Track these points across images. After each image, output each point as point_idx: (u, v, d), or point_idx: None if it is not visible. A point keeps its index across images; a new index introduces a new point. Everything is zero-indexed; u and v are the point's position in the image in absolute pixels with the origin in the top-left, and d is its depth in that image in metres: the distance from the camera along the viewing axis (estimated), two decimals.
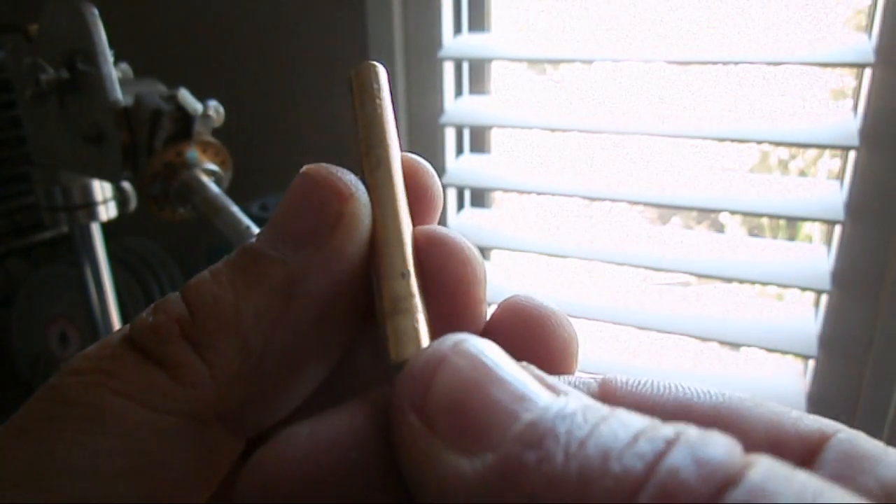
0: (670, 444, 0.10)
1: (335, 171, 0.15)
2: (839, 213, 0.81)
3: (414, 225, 0.16)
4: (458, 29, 1.01)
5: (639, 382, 0.15)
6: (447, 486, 0.11)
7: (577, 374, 0.16)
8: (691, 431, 0.10)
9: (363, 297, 0.15)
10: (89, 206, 0.69)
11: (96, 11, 0.57)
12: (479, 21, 1.02)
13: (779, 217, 0.84)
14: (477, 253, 0.16)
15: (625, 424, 0.10)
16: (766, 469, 0.09)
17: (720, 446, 0.10)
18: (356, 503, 0.12)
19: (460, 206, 1.10)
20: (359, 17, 1.00)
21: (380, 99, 0.17)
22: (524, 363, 0.12)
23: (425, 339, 0.14)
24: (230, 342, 0.14)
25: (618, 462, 0.10)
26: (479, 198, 1.12)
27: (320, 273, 0.14)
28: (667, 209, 1.15)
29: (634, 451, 0.10)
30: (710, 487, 0.09)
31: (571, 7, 1.04)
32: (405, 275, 0.14)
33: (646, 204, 0.90)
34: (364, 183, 0.16)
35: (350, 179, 0.15)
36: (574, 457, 0.10)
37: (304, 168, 0.15)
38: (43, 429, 0.13)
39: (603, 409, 0.11)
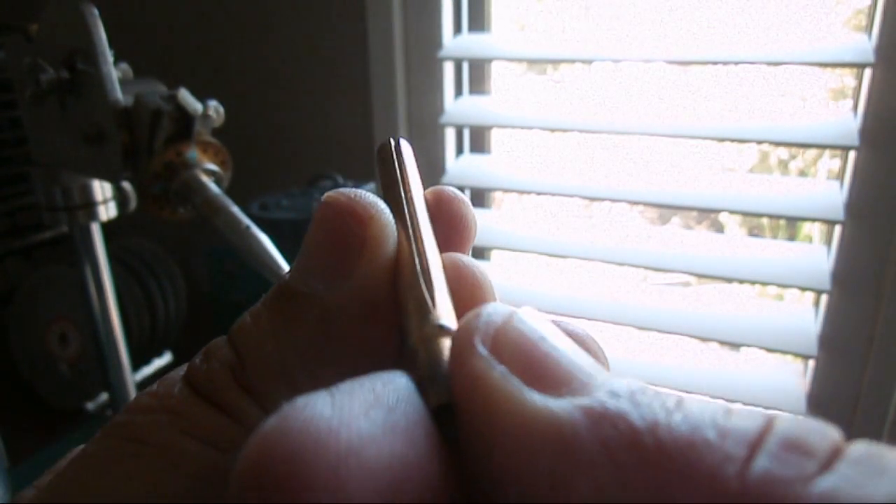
0: (773, 414, 0.09)
1: (354, 196, 0.15)
2: (839, 213, 0.81)
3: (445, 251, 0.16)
4: (458, 29, 1.01)
5: None
6: (531, 425, 0.10)
7: None
8: (784, 416, 0.10)
9: (395, 314, 0.15)
10: (89, 206, 0.69)
11: (96, 11, 0.57)
12: (479, 21, 1.03)
13: (779, 217, 0.84)
14: (492, 286, 0.16)
15: (711, 402, 0.10)
16: (862, 445, 0.09)
17: (815, 429, 0.09)
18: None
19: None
20: (359, 17, 1.00)
21: (397, 168, 0.17)
22: None
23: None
24: (278, 384, 0.14)
25: (725, 419, 0.09)
26: (479, 198, 1.12)
27: (353, 302, 0.14)
28: (667, 209, 1.15)
29: (739, 416, 0.09)
30: (830, 444, 0.09)
31: (571, 7, 1.04)
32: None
33: (646, 204, 0.90)
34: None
35: (369, 201, 0.15)
36: (676, 411, 0.10)
37: (325, 196, 0.15)
38: (117, 465, 0.13)
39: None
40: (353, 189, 0.15)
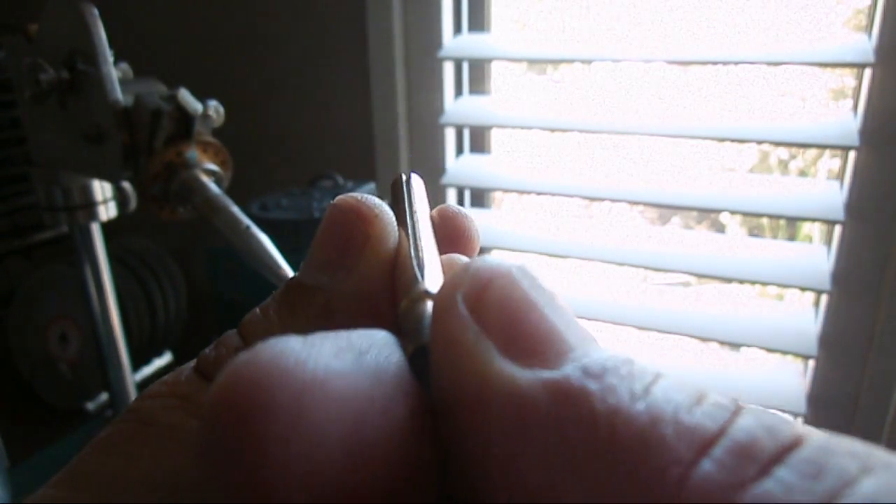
0: (738, 409, 0.10)
1: (360, 198, 0.16)
2: (839, 213, 0.81)
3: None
4: (458, 29, 1.01)
5: None
6: (491, 392, 0.10)
7: None
8: (751, 406, 0.10)
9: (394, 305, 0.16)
10: (89, 206, 0.69)
11: (96, 11, 0.57)
12: (479, 21, 1.02)
13: (779, 217, 0.84)
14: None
15: (685, 385, 0.10)
16: (822, 435, 0.09)
17: (780, 416, 0.10)
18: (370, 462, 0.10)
19: (460, 206, 1.10)
20: (359, 17, 1.00)
21: (405, 193, 0.18)
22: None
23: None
24: None
25: (688, 414, 0.09)
26: (479, 198, 1.12)
27: (355, 294, 0.15)
28: (667, 209, 1.15)
29: (704, 409, 0.09)
30: (779, 446, 0.09)
31: (571, 7, 1.04)
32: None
33: (646, 204, 0.90)
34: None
35: (374, 203, 0.16)
36: (641, 398, 0.10)
37: (335, 199, 0.16)
38: (125, 446, 0.14)
39: (655, 368, 0.10)
40: (362, 194, 0.16)
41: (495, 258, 0.12)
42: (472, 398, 0.10)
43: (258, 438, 0.09)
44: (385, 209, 0.16)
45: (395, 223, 0.16)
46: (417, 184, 0.19)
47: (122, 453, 0.14)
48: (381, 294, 0.16)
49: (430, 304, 0.13)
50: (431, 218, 0.18)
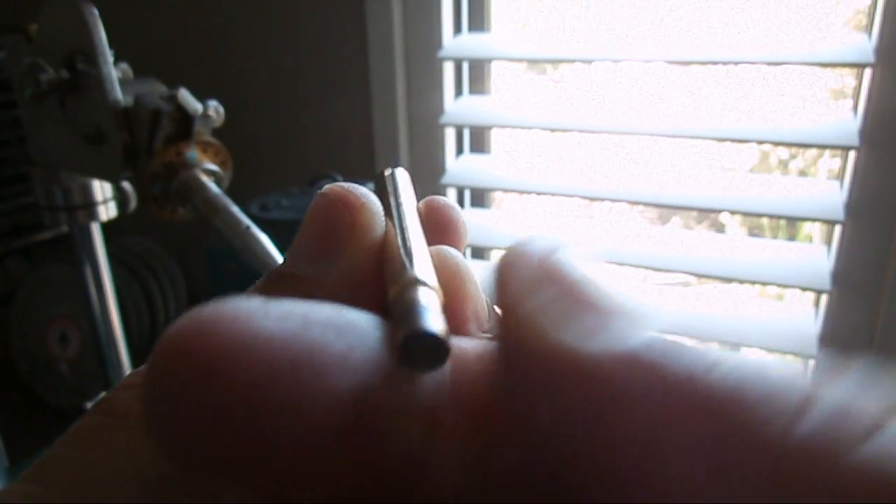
0: (814, 386, 0.09)
1: (347, 187, 0.16)
2: (839, 213, 0.81)
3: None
4: (458, 29, 1.01)
5: None
6: (556, 364, 0.10)
7: None
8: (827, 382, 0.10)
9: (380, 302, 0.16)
10: (89, 206, 0.69)
11: (96, 11, 0.57)
12: (479, 21, 1.02)
13: (779, 217, 0.84)
14: (474, 277, 0.16)
15: (748, 359, 0.10)
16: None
17: (860, 397, 0.09)
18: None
19: (460, 206, 1.10)
20: (359, 17, 1.00)
21: (391, 185, 0.18)
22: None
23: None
24: None
25: (768, 380, 0.09)
26: (479, 198, 1.12)
27: (339, 282, 0.15)
28: (667, 209, 1.15)
29: (780, 381, 0.09)
30: (865, 426, 0.09)
31: (571, 7, 1.04)
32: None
33: (646, 204, 0.90)
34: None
35: (361, 192, 0.16)
36: (721, 366, 0.09)
37: (323, 188, 0.16)
38: (98, 438, 0.14)
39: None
40: (350, 184, 0.16)
41: (545, 237, 0.12)
42: (544, 374, 0.10)
43: (175, 375, 0.10)
44: (372, 198, 0.16)
45: (382, 212, 0.16)
46: (402, 177, 0.18)
47: (94, 446, 0.13)
48: (367, 283, 0.15)
49: (421, 291, 0.13)
50: (418, 210, 0.18)
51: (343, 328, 0.11)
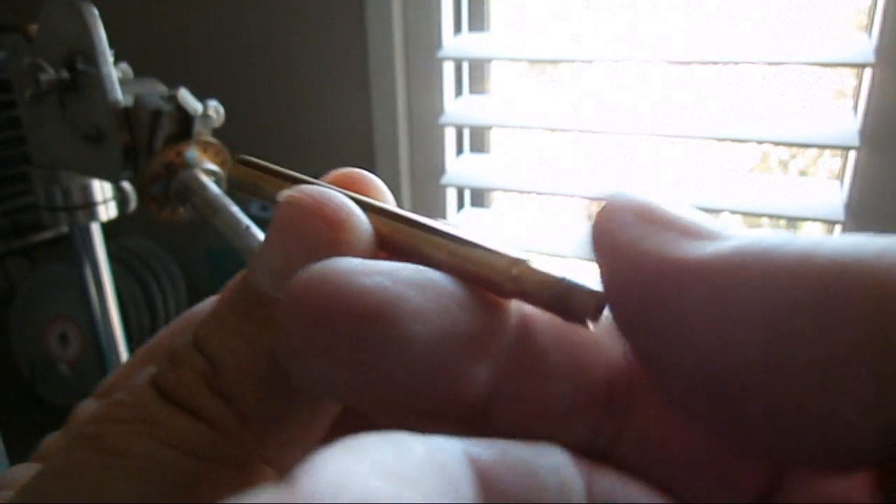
0: None
1: (321, 197, 0.14)
2: (839, 213, 0.81)
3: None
4: (458, 29, 1.01)
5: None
6: (672, 267, 0.10)
7: None
8: None
9: None
10: (89, 206, 0.69)
11: (96, 11, 0.57)
12: (479, 21, 1.02)
13: (779, 217, 0.84)
14: None
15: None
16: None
17: None
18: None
19: (460, 206, 1.10)
20: (359, 17, 1.00)
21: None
22: None
23: None
24: (254, 390, 0.14)
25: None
26: (479, 198, 1.12)
27: None
28: None
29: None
30: None
31: (571, 7, 1.04)
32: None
33: None
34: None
35: (339, 203, 0.14)
36: (828, 240, 0.10)
37: (286, 196, 0.14)
38: (94, 478, 0.13)
39: None
40: (316, 188, 0.14)
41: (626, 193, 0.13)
42: (651, 278, 0.10)
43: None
44: (354, 210, 0.14)
45: (367, 222, 0.14)
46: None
47: (92, 486, 0.13)
48: None
49: (541, 266, 0.13)
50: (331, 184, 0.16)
51: (423, 284, 0.12)
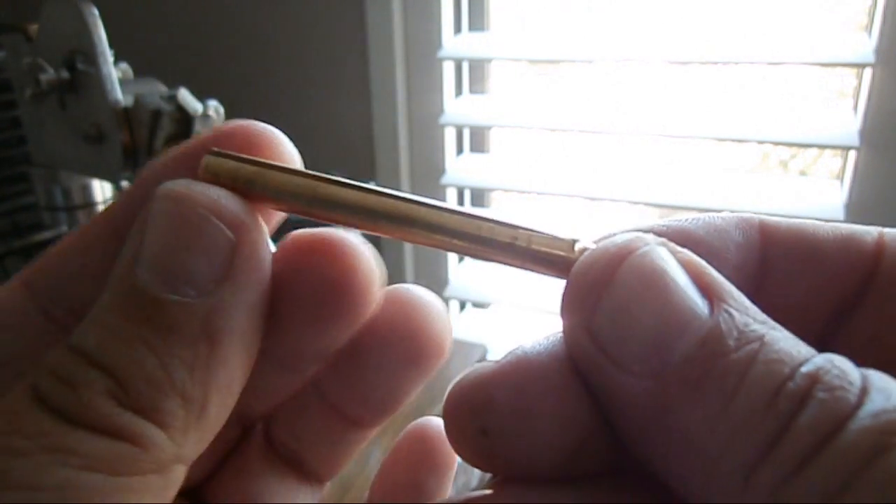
0: (804, 399, 0.11)
1: (207, 192, 0.14)
2: (839, 213, 0.81)
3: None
4: (458, 29, 1.01)
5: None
6: (614, 399, 0.13)
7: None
8: (825, 378, 0.11)
9: (280, 308, 0.15)
10: (89, 206, 0.69)
11: (96, 11, 0.57)
12: (479, 21, 1.02)
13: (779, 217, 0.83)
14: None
15: (770, 371, 0.11)
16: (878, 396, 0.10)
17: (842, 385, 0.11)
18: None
19: (460, 205, 1.10)
20: (359, 17, 1.00)
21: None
22: (688, 255, 0.13)
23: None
24: (170, 400, 0.13)
25: (759, 423, 0.11)
26: (479, 198, 1.12)
27: (237, 308, 0.14)
28: (667, 209, 1.15)
29: (773, 410, 0.11)
30: (828, 431, 0.10)
31: (571, 7, 1.04)
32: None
33: (646, 204, 0.90)
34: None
35: (221, 198, 0.14)
36: (720, 404, 0.11)
37: (164, 190, 0.14)
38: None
39: (754, 333, 0.12)
40: (188, 181, 0.14)
41: (603, 255, 0.14)
42: (606, 402, 0.13)
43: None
44: (243, 211, 0.14)
45: (257, 219, 0.14)
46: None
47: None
48: (276, 297, 0.15)
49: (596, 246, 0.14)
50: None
51: None
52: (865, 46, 0.77)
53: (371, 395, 0.17)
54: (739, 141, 0.83)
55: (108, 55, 0.58)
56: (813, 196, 0.84)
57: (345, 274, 0.15)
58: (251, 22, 1.09)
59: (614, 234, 0.14)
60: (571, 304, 0.13)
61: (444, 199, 1.05)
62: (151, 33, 1.17)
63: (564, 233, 0.14)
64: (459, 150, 1.08)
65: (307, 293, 0.15)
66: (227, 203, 0.14)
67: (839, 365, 0.11)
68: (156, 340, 0.13)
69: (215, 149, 0.15)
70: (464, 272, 1.10)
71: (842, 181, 0.86)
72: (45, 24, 0.60)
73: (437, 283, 1.08)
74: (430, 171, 1.04)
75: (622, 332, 0.12)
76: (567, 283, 0.14)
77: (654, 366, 0.12)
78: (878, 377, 0.11)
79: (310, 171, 0.15)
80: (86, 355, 0.13)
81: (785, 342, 0.12)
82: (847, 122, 0.80)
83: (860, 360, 0.12)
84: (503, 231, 0.14)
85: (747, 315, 0.12)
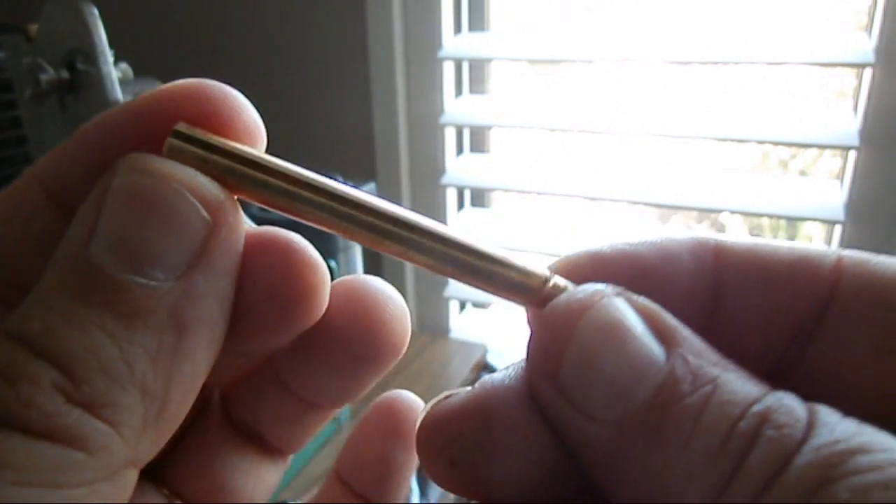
0: (753, 439, 0.11)
1: (183, 169, 0.13)
2: (839, 213, 0.81)
3: None
4: (458, 29, 1.01)
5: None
6: (577, 441, 0.13)
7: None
8: (773, 417, 0.11)
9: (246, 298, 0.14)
10: None
11: (96, 11, 0.57)
12: (479, 21, 1.02)
13: (779, 217, 0.84)
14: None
15: (722, 413, 0.12)
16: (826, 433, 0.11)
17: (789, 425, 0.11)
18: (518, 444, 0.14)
19: (460, 205, 1.10)
20: (359, 17, 1.00)
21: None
22: (643, 303, 0.13)
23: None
24: (128, 394, 0.12)
25: (713, 464, 0.11)
26: (479, 198, 1.12)
27: (208, 295, 0.13)
28: (667, 209, 1.15)
29: (725, 451, 0.11)
30: (775, 469, 0.11)
31: (571, 7, 1.04)
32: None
33: (646, 204, 0.90)
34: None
35: (197, 175, 0.13)
36: (677, 447, 0.12)
37: (131, 162, 0.13)
38: None
39: (708, 374, 0.12)
40: (153, 156, 0.13)
41: (565, 311, 0.14)
42: (570, 445, 0.13)
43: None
44: (221, 193, 0.13)
45: (235, 203, 0.13)
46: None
47: None
48: (246, 283, 0.14)
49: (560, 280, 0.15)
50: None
51: None
52: (865, 46, 0.77)
53: (326, 385, 0.16)
54: (739, 141, 0.83)
55: (108, 55, 0.58)
56: (813, 196, 0.84)
57: (297, 275, 0.14)
58: (251, 22, 1.09)
59: (577, 289, 0.14)
60: (536, 356, 0.14)
61: (444, 199, 1.05)
62: (151, 33, 1.17)
63: (537, 268, 0.15)
64: (459, 150, 1.08)
65: (258, 290, 0.14)
66: (204, 181, 0.13)
67: (787, 403, 0.12)
68: (115, 327, 0.12)
69: (182, 128, 0.13)
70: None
71: (842, 181, 0.86)
72: (45, 24, 0.60)
73: (437, 281, 1.08)
74: (430, 171, 1.04)
75: (586, 382, 0.13)
76: (531, 335, 0.14)
77: (617, 413, 0.12)
78: (824, 412, 0.11)
79: (284, 168, 0.14)
80: (26, 343, 0.11)
81: (736, 383, 0.12)
82: (847, 122, 0.80)
83: (821, 384, 0.13)
84: (478, 260, 0.14)
85: (701, 358, 0.13)
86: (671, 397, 0.12)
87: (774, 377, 0.13)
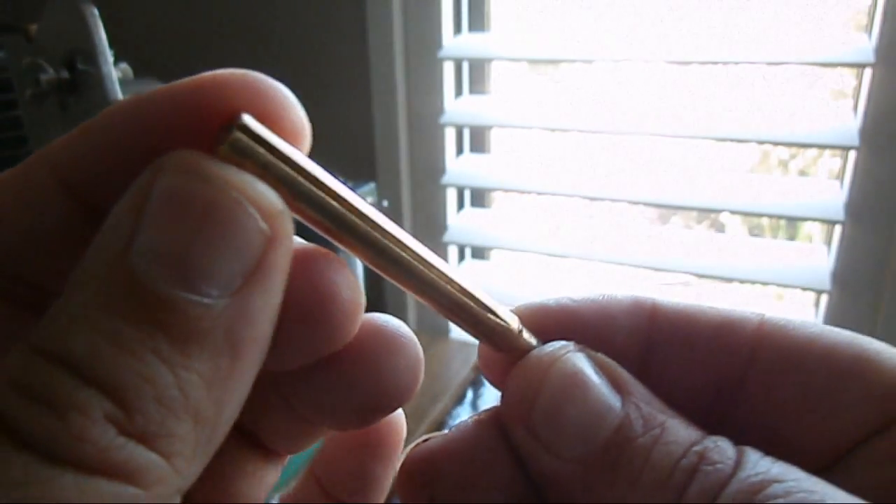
0: (693, 473, 0.13)
1: (240, 174, 0.11)
2: (839, 213, 0.81)
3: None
4: (458, 29, 1.01)
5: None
6: (547, 476, 0.15)
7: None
8: (708, 455, 0.14)
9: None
10: None
11: (96, 11, 0.58)
12: (479, 21, 1.02)
13: (779, 217, 0.84)
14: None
15: (668, 452, 0.14)
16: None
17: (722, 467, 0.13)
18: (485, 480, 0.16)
19: (460, 205, 1.10)
20: (359, 17, 1.00)
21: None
22: (601, 358, 0.15)
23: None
24: (182, 423, 0.11)
25: (660, 494, 0.13)
26: (479, 198, 1.12)
27: (263, 313, 0.12)
28: (667, 209, 1.15)
29: (670, 483, 0.13)
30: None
31: (571, 7, 1.04)
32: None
33: (646, 204, 0.90)
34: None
35: (254, 181, 0.11)
36: (631, 480, 0.14)
37: (178, 162, 0.11)
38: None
39: (656, 419, 0.14)
40: (201, 155, 0.11)
41: (536, 364, 0.16)
42: (541, 480, 0.15)
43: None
44: (278, 200, 0.12)
45: (275, 194, 0.12)
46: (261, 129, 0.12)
47: None
48: (296, 301, 0.13)
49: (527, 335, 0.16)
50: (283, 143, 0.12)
51: None
52: (865, 46, 0.77)
53: (330, 411, 0.16)
54: (739, 141, 0.83)
55: (108, 55, 0.58)
56: (813, 196, 0.84)
57: (337, 300, 0.14)
58: (251, 22, 1.09)
59: (546, 345, 0.16)
60: (511, 403, 0.15)
61: (444, 199, 1.05)
62: (151, 33, 1.17)
63: (510, 318, 0.16)
64: (459, 150, 1.08)
65: (295, 309, 0.13)
66: (264, 189, 0.12)
67: (720, 444, 0.14)
68: (169, 351, 0.11)
69: (248, 122, 0.12)
70: (464, 272, 1.10)
71: (842, 181, 0.86)
72: (45, 24, 0.60)
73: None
74: (430, 171, 1.04)
75: (554, 425, 0.15)
76: (506, 388, 0.16)
77: (580, 451, 0.14)
78: (750, 452, 0.14)
79: (342, 194, 0.13)
80: (72, 367, 0.10)
81: (679, 427, 0.14)
82: (847, 122, 0.80)
83: (751, 431, 0.15)
84: (478, 308, 0.16)
85: (651, 405, 0.15)
86: (626, 438, 0.14)
87: (711, 424, 0.15)
